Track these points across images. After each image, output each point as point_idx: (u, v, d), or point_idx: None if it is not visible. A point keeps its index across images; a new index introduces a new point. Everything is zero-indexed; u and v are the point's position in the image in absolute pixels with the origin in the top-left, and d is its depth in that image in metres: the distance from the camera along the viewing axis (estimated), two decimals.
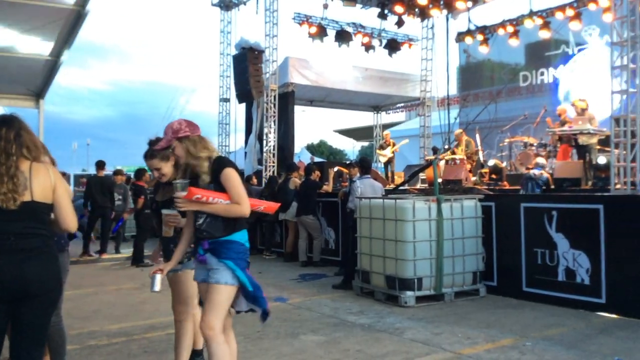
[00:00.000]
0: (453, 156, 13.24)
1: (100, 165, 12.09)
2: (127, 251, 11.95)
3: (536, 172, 9.85)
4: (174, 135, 3.50)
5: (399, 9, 15.37)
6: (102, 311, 7.03)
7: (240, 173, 3.74)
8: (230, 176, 3.46)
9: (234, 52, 16.17)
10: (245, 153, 16.90)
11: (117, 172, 13.35)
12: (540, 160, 10.82)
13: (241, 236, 3.54)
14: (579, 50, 15.95)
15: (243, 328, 5.49)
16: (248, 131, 16.91)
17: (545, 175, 9.93)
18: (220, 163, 3.53)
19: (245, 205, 3.47)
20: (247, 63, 14.92)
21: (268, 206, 4.02)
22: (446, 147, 14.31)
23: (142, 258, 10.82)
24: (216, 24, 17.35)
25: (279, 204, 4.15)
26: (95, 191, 11.76)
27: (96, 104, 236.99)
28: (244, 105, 17.02)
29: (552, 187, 10.15)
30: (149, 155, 4.19)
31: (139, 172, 11.79)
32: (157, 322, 6.30)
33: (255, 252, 11.65)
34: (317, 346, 5.36)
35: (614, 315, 6.34)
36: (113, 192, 11.95)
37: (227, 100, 17.47)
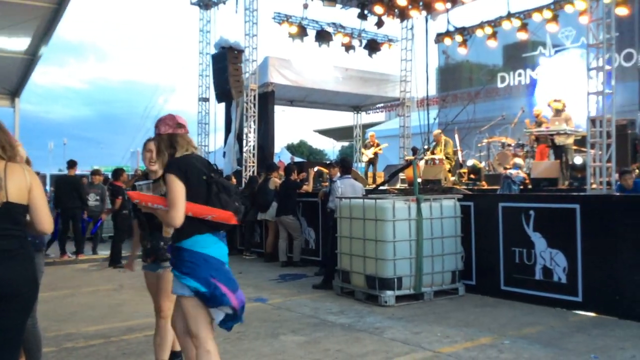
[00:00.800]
0: (432, 156, 13.34)
1: (71, 164, 11.84)
2: (104, 252, 11.80)
3: (513, 172, 9.99)
4: (156, 131, 3.48)
5: (378, 9, 15.46)
6: (79, 313, 6.93)
7: (219, 172, 3.59)
8: (168, 181, 3.23)
9: (213, 51, 16.08)
10: (224, 153, 16.83)
11: (95, 172, 13.14)
12: (518, 160, 10.97)
13: (192, 243, 3.28)
14: (556, 52, 16.18)
15: (223, 329, 5.45)
16: (227, 131, 16.84)
17: (522, 175, 10.07)
18: (167, 166, 3.31)
19: (173, 213, 3.18)
20: (226, 62, 14.86)
21: (219, 215, 3.30)
22: (425, 147, 14.40)
23: (120, 259, 10.70)
24: (195, 23, 17.31)
25: (233, 214, 3.38)
26: (63, 191, 11.52)
27: (73, 103, 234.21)
28: (223, 104, 16.96)
29: (530, 186, 10.30)
30: (147, 141, 4.18)
31: (117, 173, 11.65)
32: (135, 324, 6.24)
33: (235, 253, 11.60)
34: (297, 346, 5.35)
35: (590, 314, 6.42)
36: (81, 191, 11.63)
37: (206, 99, 17.36)
